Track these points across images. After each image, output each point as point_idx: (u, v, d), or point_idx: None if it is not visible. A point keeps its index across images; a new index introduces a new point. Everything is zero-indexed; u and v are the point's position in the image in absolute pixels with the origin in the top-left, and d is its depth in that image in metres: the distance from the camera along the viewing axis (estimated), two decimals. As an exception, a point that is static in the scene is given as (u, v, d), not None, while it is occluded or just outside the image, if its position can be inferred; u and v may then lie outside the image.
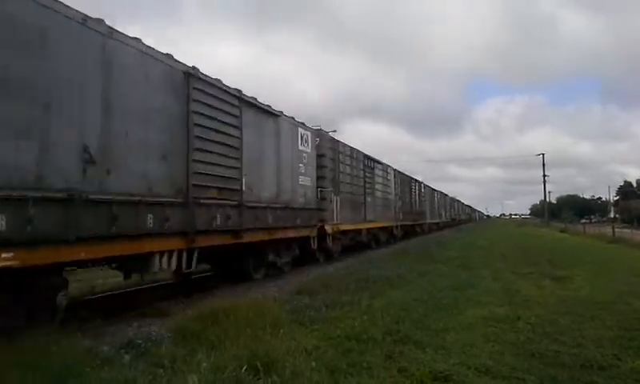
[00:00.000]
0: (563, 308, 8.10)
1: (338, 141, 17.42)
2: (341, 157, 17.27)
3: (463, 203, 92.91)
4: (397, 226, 26.10)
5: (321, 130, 15.76)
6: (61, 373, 4.52)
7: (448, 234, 39.70)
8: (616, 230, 35.53)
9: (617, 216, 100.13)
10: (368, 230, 20.54)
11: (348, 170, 18.12)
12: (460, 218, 76.30)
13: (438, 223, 45.99)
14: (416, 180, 33.52)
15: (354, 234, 18.70)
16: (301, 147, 13.18)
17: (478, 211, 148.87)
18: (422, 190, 36.18)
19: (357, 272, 12.14)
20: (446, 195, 58.17)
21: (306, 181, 13.42)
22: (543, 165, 67.67)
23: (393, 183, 25.47)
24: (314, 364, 4.80)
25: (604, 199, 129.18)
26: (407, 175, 30.73)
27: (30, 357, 4.70)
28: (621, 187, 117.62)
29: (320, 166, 14.90)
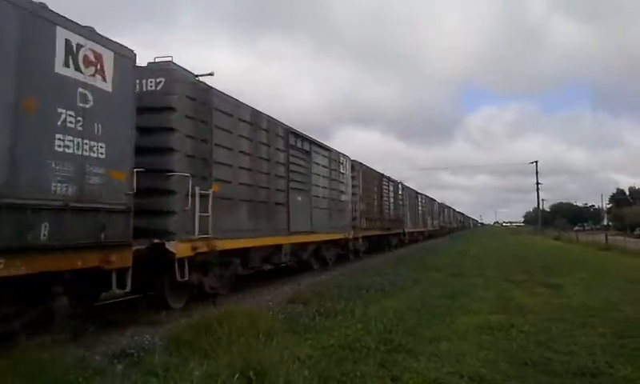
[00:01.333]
0: (556, 315, 8.14)
1: (213, 89, 9.30)
2: (223, 120, 9.52)
3: (455, 210, 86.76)
4: (357, 238, 19.26)
5: (171, 63, 8.57)
6: (53, 382, 4.51)
7: (435, 243, 36.99)
8: (609, 237, 35.72)
9: (610, 223, 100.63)
10: (298, 245, 13.20)
11: (245, 145, 10.37)
12: (451, 226, 70.60)
13: (422, 232, 39.72)
14: (390, 178, 26.78)
15: (269, 252, 11.71)
16: (66, 72, 5.98)
17: (472, 219, 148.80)
18: (400, 192, 29.61)
19: (350, 280, 12.14)
20: (434, 200, 51.63)
21: (88, 148, 6.19)
22: (536, 172, 67.84)
23: (349, 179, 18.51)
24: (307, 373, 4.79)
25: (597, 207, 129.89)
26: (376, 171, 24.12)
27: (21, 366, 4.69)
28: (613, 195, 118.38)
29: (152, 129, 8.01)
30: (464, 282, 12.50)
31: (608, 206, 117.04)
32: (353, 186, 19.25)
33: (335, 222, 16.36)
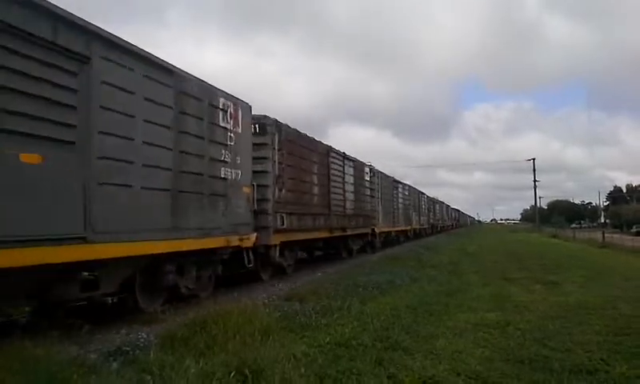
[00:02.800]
0: (553, 313, 8.14)
1: None
2: None
3: (448, 206, 77.38)
4: (269, 246, 11.80)
5: None
6: (47, 380, 4.48)
7: (432, 241, 35.58)
8: (606, 235, 35.82)
9: (607, 221, 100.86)
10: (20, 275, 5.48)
11: None
12: (444, 223, 63.58)
13: (405, 231, 32.55)
14: (347, 156, 18.70)
15: None
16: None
17: (469, 216, 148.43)
18: (368, 179, 21.78)
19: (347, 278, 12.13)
20: (422, 193, 42.84)
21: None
22: (534, 170, 68.09)
23: (246, 143, 10.39)
24: (303, 371, 4.78)
25: (594, 204, 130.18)
26: (319, 142, 15.93)
27: (16, 363, 4.67)
28: (611, 192, 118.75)
29: None
30: (461, 280, 12.52)
31: (605, 203, 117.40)
32: (260, 159, 11.40)
33: (204, 218, 8.67)
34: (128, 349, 5.53)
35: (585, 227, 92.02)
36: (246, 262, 10.49)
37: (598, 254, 24.29)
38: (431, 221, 48.00)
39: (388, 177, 27.73)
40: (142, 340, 5.85)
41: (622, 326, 7.15)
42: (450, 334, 6.67)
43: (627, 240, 32.76)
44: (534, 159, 68.77)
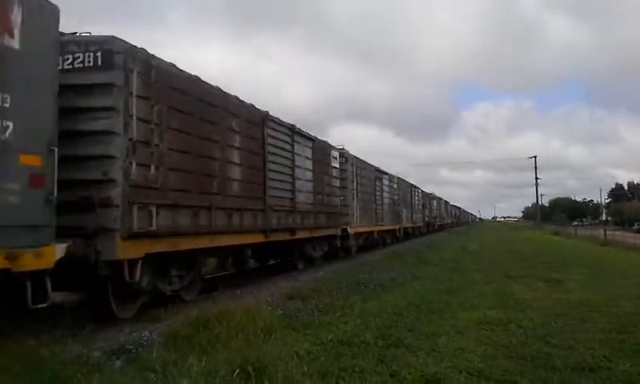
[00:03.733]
0: (555, 311, 8.13)
1: None
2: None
3: (447, 202, 72.01)
4: (121, 263, 6.80)
5: None
6: (51, 378, 4.50)
7: (433, 240, 36.47)
8: (608, 232, 35.80)
9: (609, 218, 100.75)
10: None
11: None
12: (443, 221, 59.51)
13: (392, 231, 27.21)
14: (301, 133, 13.82)
15: None
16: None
17: (471, 214, 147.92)
18: (337, 166, 17.31)
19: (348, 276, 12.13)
20: (415, 187, 36.94)
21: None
22: (535, 168, 67.97)
23: (39, 73, 5.44)
24: (305, 368, 4.78)
25: (596, 202, 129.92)
26: (261, 111, 11.30)
27: (20, 362, 4.68)
28: (612, 190, 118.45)
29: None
30: (463, 278, 12.51)
31: (607, 200, 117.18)
32: (98, 111, 6.80)
33: None
34: (131, 347, 5.55)
35: (586, 225, 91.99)
36: (29, 301, 5.29)
37: (600, 251, 24.27)
38: (427, 218, 43.31)
39: (369, 165, 22.58)
40: (146, 338, 5.87)
41: (625, 323, 7.14)
42: (452, 331, 6.67)
43: (629, 237, 32.81)
44: (535, 157, 68.65)
